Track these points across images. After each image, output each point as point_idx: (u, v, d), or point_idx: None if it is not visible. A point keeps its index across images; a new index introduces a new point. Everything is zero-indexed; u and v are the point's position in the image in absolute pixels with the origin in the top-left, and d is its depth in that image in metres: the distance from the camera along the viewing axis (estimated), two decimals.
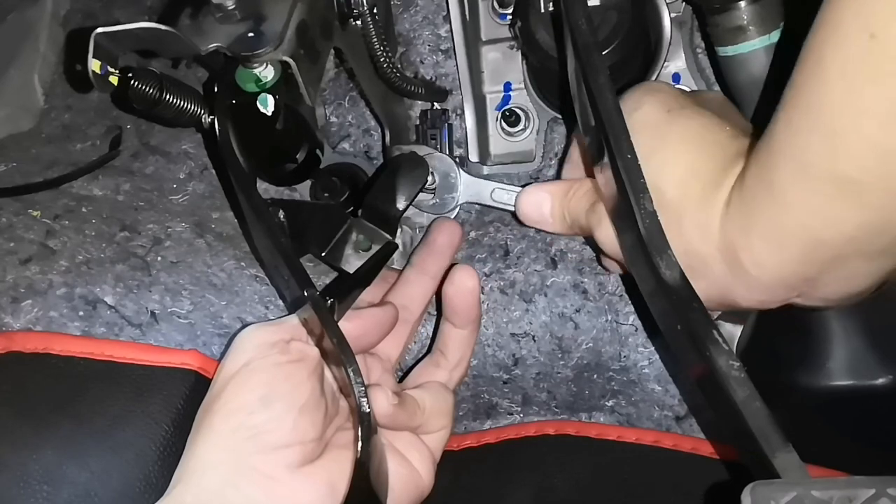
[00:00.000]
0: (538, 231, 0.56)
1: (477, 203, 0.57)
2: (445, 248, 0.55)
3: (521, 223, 0.53)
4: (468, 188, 0.57)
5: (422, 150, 0.58)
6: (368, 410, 0.42)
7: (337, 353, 0.43)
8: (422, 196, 0.57)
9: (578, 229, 0.49)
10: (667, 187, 0.40)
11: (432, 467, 0.49)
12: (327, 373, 0.47)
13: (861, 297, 0.39)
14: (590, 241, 0.52)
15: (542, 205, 0.51)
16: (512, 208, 0.54)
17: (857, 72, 0.31)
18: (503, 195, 0.56)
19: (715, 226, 0.38)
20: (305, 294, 0.44)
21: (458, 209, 0.58)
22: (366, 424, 0.42)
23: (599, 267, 0.54)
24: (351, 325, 0.47)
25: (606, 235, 0.45)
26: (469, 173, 0.58)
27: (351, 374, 0.42)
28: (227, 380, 0.44)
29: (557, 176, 0.56)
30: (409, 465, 0.47)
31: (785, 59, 0.50)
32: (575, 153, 0.51)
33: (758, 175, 0.36)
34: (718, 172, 0.39)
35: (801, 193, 0.34)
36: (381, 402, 0.44)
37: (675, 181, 0.40)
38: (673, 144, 0.42)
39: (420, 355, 0.55)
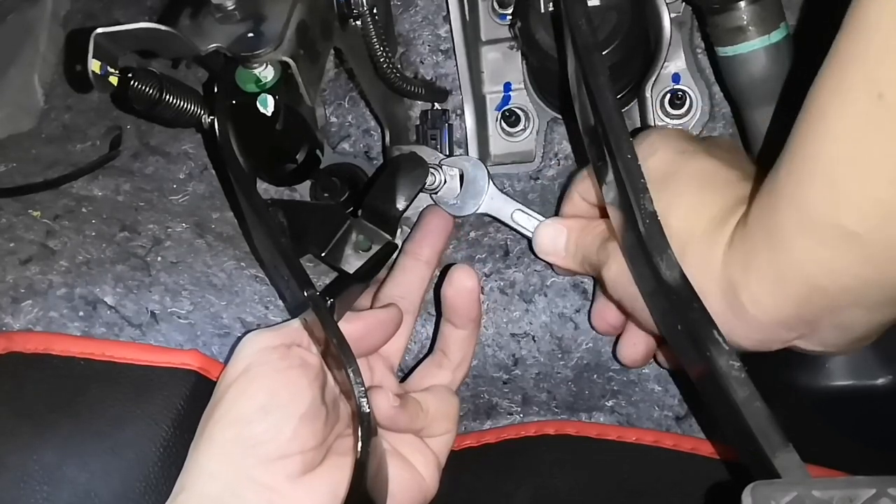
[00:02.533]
0: None
1: (494, 218, 0.57)
2: (439, 232, 0.55)
3: (535, 255, 0.53)
4: (492, 200, 0.56)
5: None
6: (368, 411, 0.42)
7: (337, 353, 0.43)
8: (446, 193, 0.57)
9: (588, 267, 0.49)
10: (673, 219, 0.40)
11: (436, 471, 0.49)
12: (329, 378, 0.47)
13: (863, 344, 0.39)
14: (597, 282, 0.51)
15: (557, 238, 0.51)
16: (528, 233, 0.54)
17: (863, 130, 0.31)
18: (522, 218, 0.55)
19: (717, 262, 0.38)
20: (305, 295, 0.44)
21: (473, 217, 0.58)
22: (365, 425, 0.42)
23: None
24: (352, 326, 0.47)
25: (615, 273, 0.45)
26: None
27: (351, 375, 0.42)
28: (228, 386, 0.44)
29: (564, 191, 0.55)
30: (413, 468, 0.47)
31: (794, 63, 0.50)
32: (577, 188, 0.51)
33: (759, 218, 0.36)
34: (725, 210, 0.39)
35: (800, 240, 0.34)
36: (381, 404, 0.44)
37: (682, 213, 0.40)
38: (683, 180, 0.42)
39: (420, 355, 0.55)
